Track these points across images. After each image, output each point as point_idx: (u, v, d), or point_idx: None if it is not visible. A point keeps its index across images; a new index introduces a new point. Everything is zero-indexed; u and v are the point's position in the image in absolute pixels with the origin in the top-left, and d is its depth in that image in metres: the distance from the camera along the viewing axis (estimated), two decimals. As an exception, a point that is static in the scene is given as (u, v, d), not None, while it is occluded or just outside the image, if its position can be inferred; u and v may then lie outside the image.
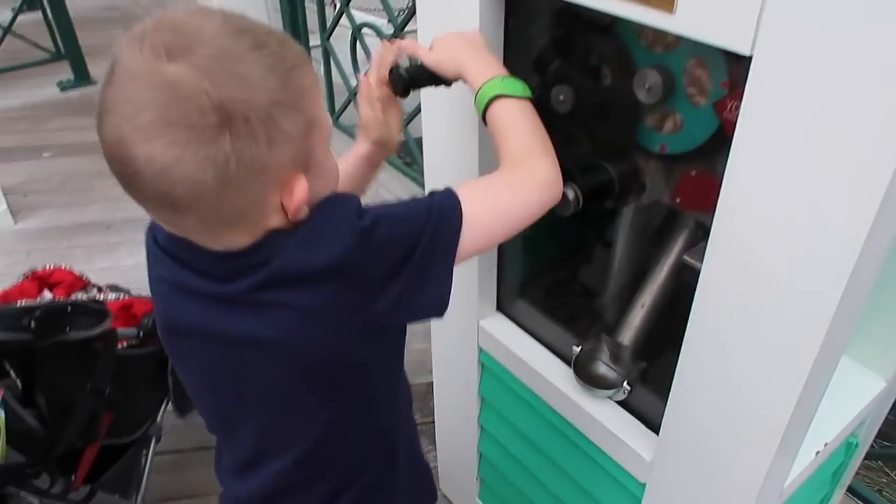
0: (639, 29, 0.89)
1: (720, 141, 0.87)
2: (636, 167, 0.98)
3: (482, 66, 0.84)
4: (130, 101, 0.56)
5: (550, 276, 1.32)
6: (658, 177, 0.97)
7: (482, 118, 0.83)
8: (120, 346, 1.34)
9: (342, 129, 3.26)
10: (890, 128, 0.59)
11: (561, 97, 0.99)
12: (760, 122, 0.69)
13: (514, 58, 1.03)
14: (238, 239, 0.64)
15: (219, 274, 0.67)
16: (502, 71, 0.84)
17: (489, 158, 1.06)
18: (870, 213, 0.64)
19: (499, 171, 0.78)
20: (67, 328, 1.14)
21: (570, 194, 0.95)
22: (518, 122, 0.80)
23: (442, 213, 0.70)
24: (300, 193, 0.63)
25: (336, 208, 0.68)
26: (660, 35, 0.87)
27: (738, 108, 0.77)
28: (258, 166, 0.59)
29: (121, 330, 1.33)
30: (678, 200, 0.96)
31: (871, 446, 1.34)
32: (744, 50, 0.67)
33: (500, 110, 0.80)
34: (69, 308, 1.14)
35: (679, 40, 0.84)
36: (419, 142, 1.19)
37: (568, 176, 0.97)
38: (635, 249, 1.10)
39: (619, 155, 0.98)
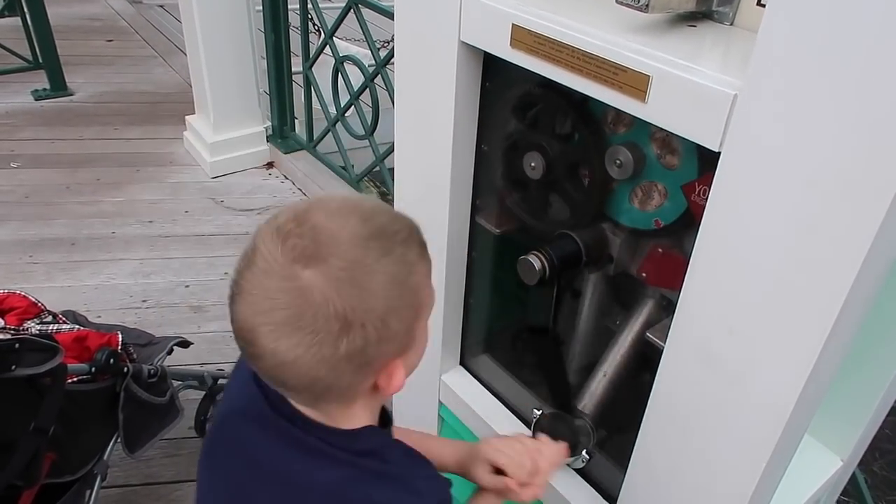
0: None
1: (688, 221, 0.87)
2: (604, 238, 0.98)
3: None
4: (266, 298, 0.60)
5: (515, 333, 1.31)
6: (625, 250, 0.97)
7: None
8: (70, 380, 1.29)
9: (317, 157, 3.26)
10: (854, 233, 0.60)
11: (532, 164, 0.99)
12: (727, 217, 0.69)
13: (489, 120, 1.03)
14: (329, 408, 0.70)
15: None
16: None
17: (459, 191, 1.07)
18: (830, 317, 0.64)
19: None
20: (13, 366, 1.09)
21: (537, 264, 0.94)
22: None
23: None
24: (398, 380, 0.68)
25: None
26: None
27: (706, 192, 0.78)
28: (364, 361, 0.64)
29: (71, 365, 1.29)
30: (644, 275, 0.96)
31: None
32: (712, 146, 0.67)
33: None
34: (17, 345, 1.10)
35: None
36: (393, 172, 1.19)
37: (536, 244, 0.97)
38: (600, 316, 1.10)
39: (588, 225, 0.98)
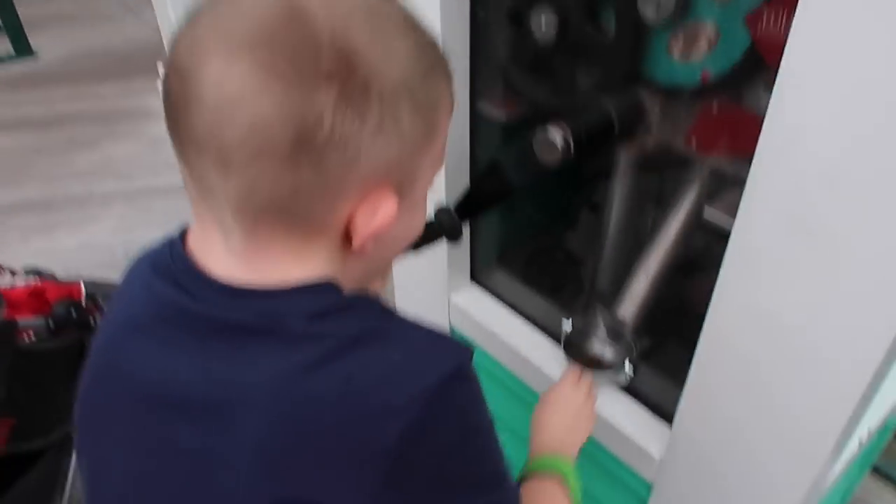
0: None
1: (751, 65, 0.68)
2: (638, 104, 0.80)
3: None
4: (237, 9, 0.42)
5: (534, 240, 1.14)
6: (668, 115, 0.79)
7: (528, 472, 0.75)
8: (27, 338, 1.14)
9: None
10: None
11: (542, 24, 0.80)
12: (825, 32, 0.50)
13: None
14: (272, 247, 0.47)
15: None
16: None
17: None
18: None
19: None
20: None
21: (559, 140, 0.75)
22: None
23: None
24: (384, 216, 0.47)
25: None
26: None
27: (779, 18, 0.60)
28: (352, 150, 0.43)
29: (24, 321, 1.13)
30: (693, 143, 0.78)
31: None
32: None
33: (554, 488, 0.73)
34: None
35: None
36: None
37: (556, 117, 0.78)
38: (634, 208, 0.92)
39: (619, 90, 0.79)
